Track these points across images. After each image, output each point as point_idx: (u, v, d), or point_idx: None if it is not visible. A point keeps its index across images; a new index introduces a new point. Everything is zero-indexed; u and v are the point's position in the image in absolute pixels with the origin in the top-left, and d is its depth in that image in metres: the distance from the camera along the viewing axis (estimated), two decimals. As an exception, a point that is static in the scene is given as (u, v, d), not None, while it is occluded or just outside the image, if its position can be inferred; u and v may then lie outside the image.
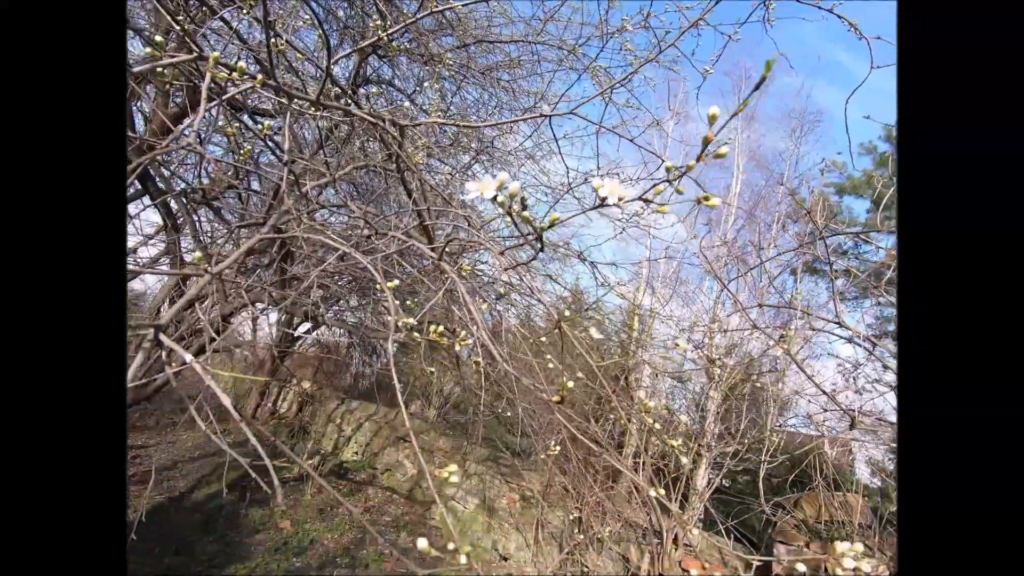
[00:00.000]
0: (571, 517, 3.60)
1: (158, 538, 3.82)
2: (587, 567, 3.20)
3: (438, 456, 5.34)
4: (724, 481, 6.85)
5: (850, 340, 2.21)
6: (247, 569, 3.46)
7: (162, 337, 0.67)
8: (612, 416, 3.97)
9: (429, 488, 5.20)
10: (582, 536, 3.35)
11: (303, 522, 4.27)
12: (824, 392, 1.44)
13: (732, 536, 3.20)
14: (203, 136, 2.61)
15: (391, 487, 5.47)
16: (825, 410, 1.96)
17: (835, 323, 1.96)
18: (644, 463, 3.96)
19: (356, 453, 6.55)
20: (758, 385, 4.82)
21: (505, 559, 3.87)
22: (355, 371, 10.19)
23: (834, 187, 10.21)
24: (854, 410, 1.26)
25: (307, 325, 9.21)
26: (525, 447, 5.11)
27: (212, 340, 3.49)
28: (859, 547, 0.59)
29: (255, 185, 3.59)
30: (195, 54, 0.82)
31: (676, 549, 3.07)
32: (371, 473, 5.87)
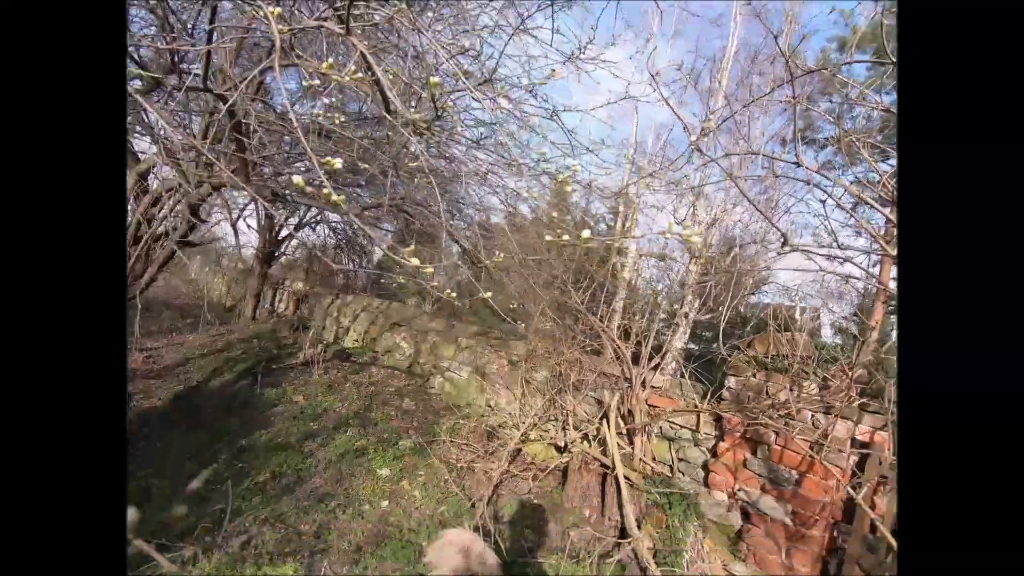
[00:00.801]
0: (553, 372, 4.03)
1: (182, 418, 4.26)
2: (567, 409, 3.68)
3: (431, 335, 5.73)
4: (694, 345, 7.49)
5: (808, 182, 2.26)
6: (269, 435, 3.93)
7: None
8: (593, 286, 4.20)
9: (427, 364, 5.67)
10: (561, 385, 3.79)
11: (314, 396, 4.74)
12: (759, 210, 1.53)
13: (694, 378, 3.62)
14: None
15: (392, 366, 5.95)
16: (771, 250, 2.09)
17: (794, 164, 1.99)
18: (619, 326, 4.28)
19: (356, 341, 6.98)
20: (736, 261, 5.03)
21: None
22: (345, 270, 10.35)
23: (837, 41, 9.41)
24: (784, 232, 1.36)
25: (289, 228, 9.08)
26: (510, 330, 5.46)
27: (191, 228, 3.46)
28: (696, 235, 0.70)
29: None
30: None
31: (644, 390, 3.50)
32: (372, 356, 6.33)
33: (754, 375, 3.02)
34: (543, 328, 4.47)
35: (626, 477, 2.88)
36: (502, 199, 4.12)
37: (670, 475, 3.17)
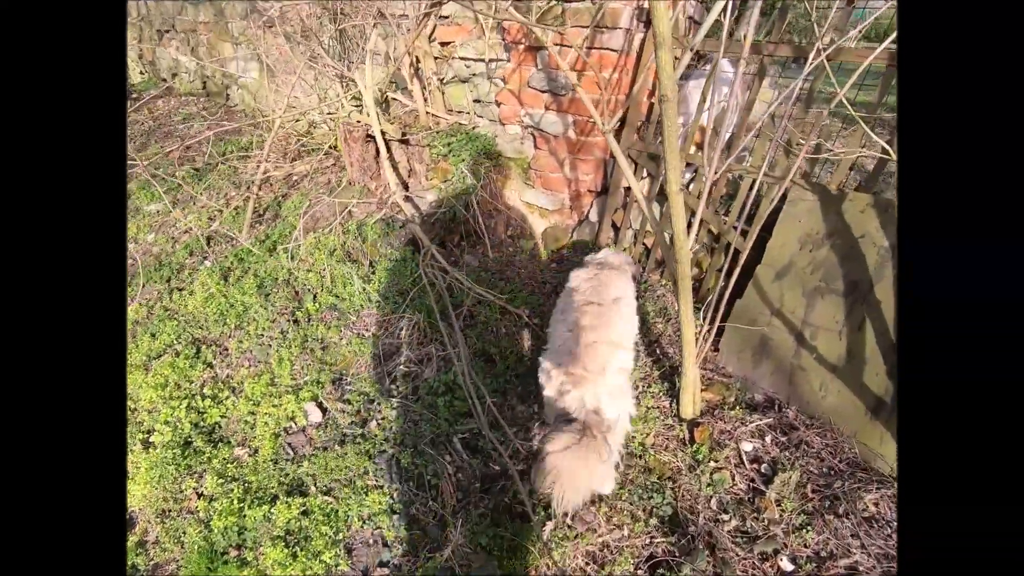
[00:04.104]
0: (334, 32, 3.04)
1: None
2: (337, 73, 2.92)
3: (203, 33, 4.25)
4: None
5: None
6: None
7: None
8: None
9: (216, 75, 4.44)
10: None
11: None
12: None
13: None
14: None
15: (188, 92, 4.70)
16: None
17: None
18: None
19: (141, 72, 5.37)
20: None
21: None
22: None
23: None
24: None
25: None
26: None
27: None
28: None
29: None
30: None
31: (428, 21, 2.67)
32: (162, 87, 4.95)
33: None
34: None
35: (383, 132, 2.44)
36: None
37: (466, 122, 2.76)
